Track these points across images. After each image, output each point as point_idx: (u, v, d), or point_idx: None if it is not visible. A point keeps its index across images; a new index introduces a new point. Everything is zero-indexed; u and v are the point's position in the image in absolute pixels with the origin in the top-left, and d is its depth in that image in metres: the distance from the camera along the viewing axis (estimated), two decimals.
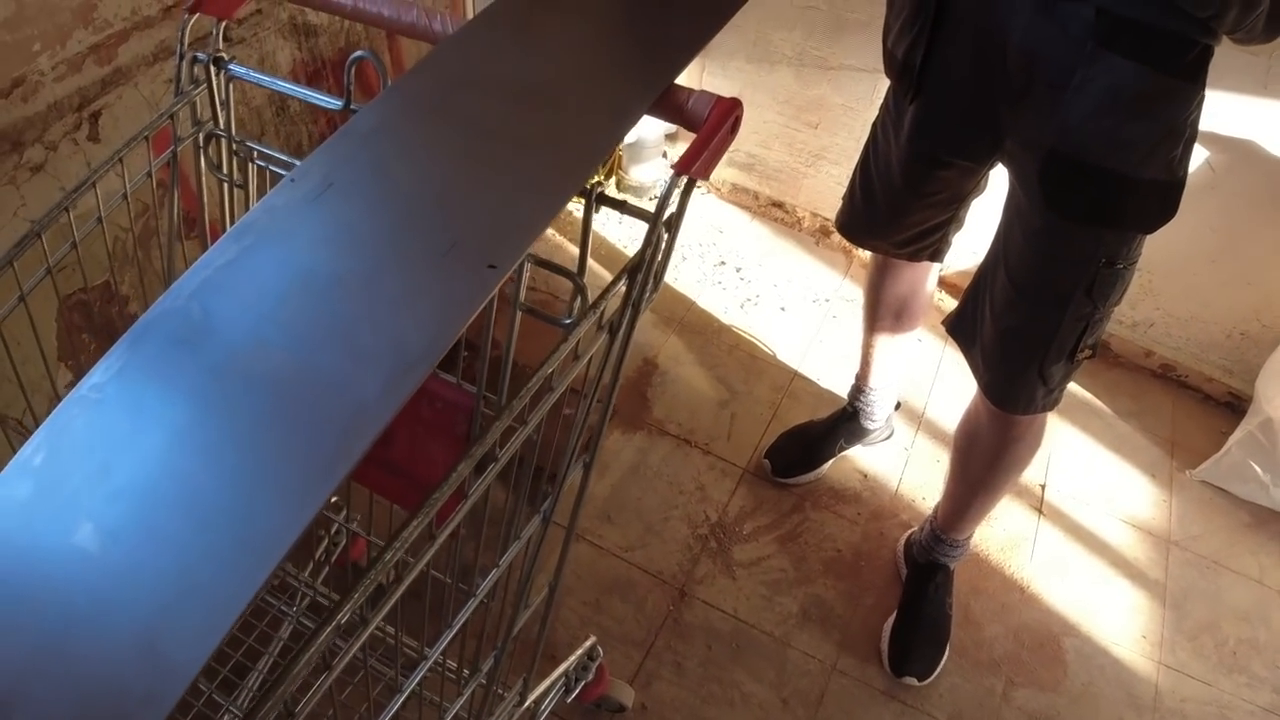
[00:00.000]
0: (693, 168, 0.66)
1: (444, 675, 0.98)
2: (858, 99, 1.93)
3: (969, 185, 1.29)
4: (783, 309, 2.00)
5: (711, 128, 0.68)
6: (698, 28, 0.76)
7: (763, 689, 1.47)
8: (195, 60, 0.84)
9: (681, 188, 0.67)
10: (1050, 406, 1.28)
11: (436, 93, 0.68)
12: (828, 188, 2.08)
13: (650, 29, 0.76)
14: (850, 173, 1.45)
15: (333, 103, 0.75)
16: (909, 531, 1.67)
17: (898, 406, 1.85)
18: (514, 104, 0.68)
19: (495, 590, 0.82)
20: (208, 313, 0.56)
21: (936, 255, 1.44)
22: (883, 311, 1.60)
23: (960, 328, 1.29)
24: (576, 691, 1.26)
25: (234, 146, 0.86)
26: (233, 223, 0.95)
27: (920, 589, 1.58)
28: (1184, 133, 1.01)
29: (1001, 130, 1.10)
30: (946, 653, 1.57)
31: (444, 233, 0.59)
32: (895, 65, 1.17)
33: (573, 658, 1.22)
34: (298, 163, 0.81)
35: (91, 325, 1.18)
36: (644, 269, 0.68)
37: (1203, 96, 1.01)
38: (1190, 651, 1.71)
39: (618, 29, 0.76)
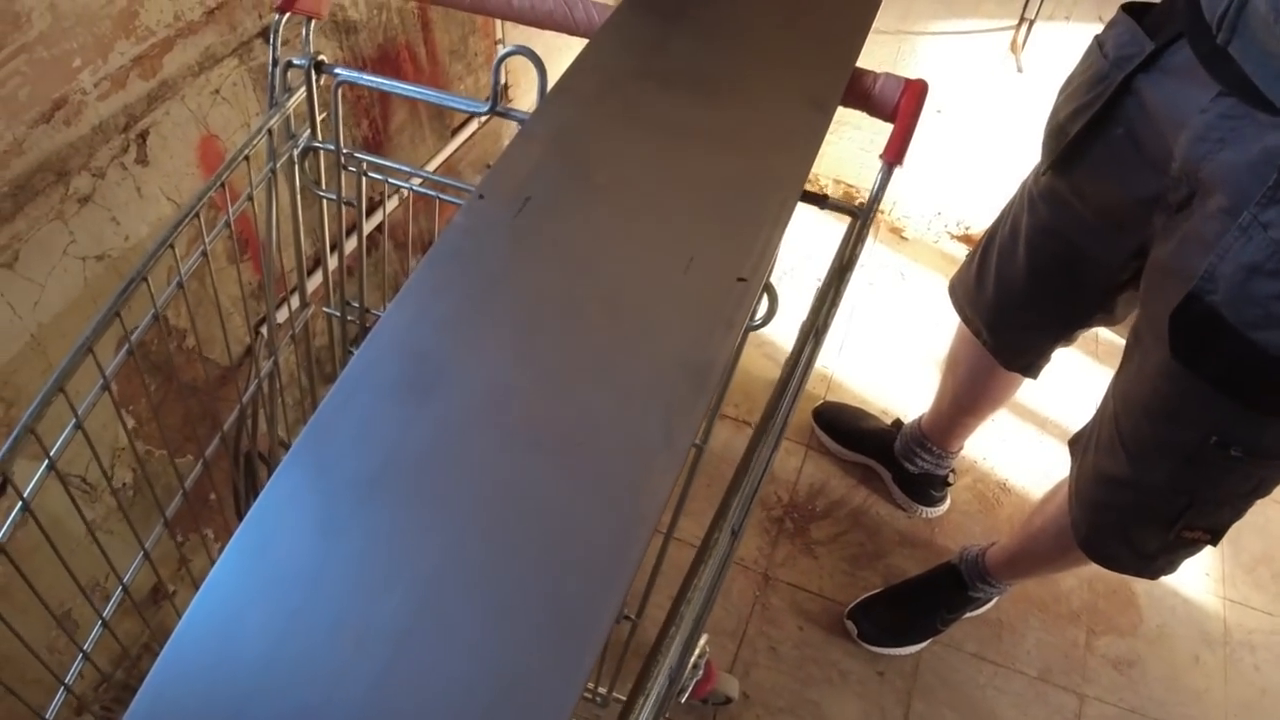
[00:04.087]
0: (902, 158, 0.61)
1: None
2: (882, 64, 1.89)
3: (1091, 296, 1.09)
4: (819, 280, 1.96)
5: (907, 114, 0.64)
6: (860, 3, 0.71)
7: (859, 664, 1.45)
8: (291, 66, 0.76)
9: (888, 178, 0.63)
10: (1144, 573, 1.12)
11: (609, 89, 0.62)
12: (850, 154, 2.04)
13: (812, 9, 0.71)
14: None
15: (478, 107, 0.69)
16: (965, 546, 1.53)
17: (948, 483, 1.66)
18: (699, 97, 0.62)
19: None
20: (428, 355, 0.50)
21: (1030, 370, 1.26)
22: (958, 387, 1.44)
23: (1076, 441, 1.12)
24: (690, 690, 1.22)
25: (341, 159, 0.79)
26: (337, 244, 0.87)
27: (934, 588, 1.49)
28: None
29: (1149, 236, 0.93)
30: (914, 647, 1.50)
31: (674, 246, 0.54)
32: (1051, 128, 1.01)
33: (691, 658, 1.18)
34: (419, 171, 0.75)
35: (149, 365, 1.09)
36: (851, 267, 0.63)
37: None
38: (1250, 585, 1.73)
39: (779, 11, 0.70)
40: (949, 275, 1.68)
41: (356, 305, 0.89)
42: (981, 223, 2.01)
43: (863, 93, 0.66)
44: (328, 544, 0.43)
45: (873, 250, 2.05)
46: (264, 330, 0.97)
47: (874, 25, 1.90)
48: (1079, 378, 1.88)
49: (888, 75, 0.66)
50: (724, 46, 0.66)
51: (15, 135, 0.85)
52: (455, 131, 1.53)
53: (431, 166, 1.47)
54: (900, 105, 0.65)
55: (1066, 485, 1.17)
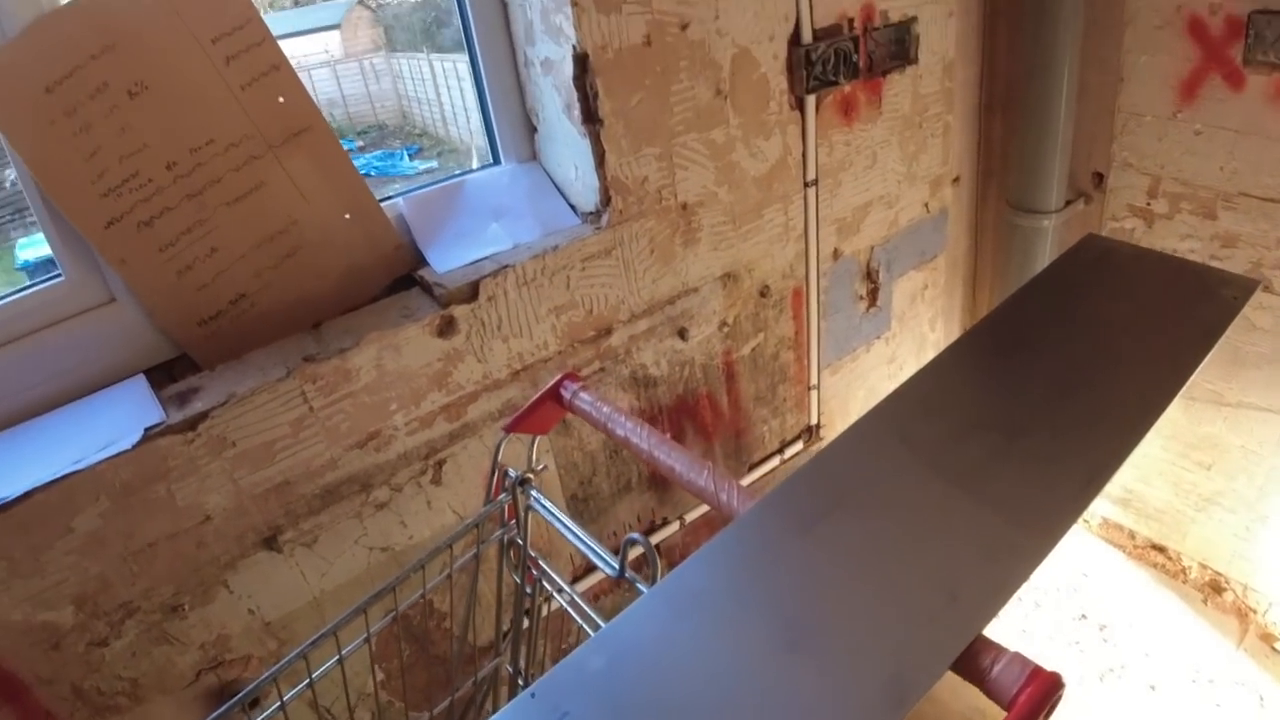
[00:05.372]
0: None
1: None
2: (1261, 443, 1.62)
3: None
4: (1152, 687, 1.65)
5: (1024, 713, 0.56)
6: (1021, 559, 0.65)
7: None
8: (505, 476, 0.88)
9: None
10: None
11: (700, 604, 0.63)
12: (1221, 537, 1.74)
13: (948, 552, 0.66)
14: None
15: (610, 568, 0.74)
16: None
17: None
18: (775, 649, 0.60)
19: None
20: None
21: None
22: None
23: None
24: None
25: (526, 560, 0.88)
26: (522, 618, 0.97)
27: None
28: None
29: None
30: None
31: None
32: None
33: None
34: (569, 589, 0.80)
35: (409, 634, 1.26)
36: None
37: None
38: None
39: (908, 549, 0.67)
40: None
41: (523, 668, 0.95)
42: None
43: (976, 668, 0.59)
44: None
45: (1232, 657, 1.68)
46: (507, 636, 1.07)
47: (1266, 405, 1.62)
48: None
49: (1014, 656, 0.59)
50: (829, 586, 0.64)
51: (332, 455, 1.07)
52: (753, 467, 1.60)
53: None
54: (1018, 699, 0.57)
55: None
